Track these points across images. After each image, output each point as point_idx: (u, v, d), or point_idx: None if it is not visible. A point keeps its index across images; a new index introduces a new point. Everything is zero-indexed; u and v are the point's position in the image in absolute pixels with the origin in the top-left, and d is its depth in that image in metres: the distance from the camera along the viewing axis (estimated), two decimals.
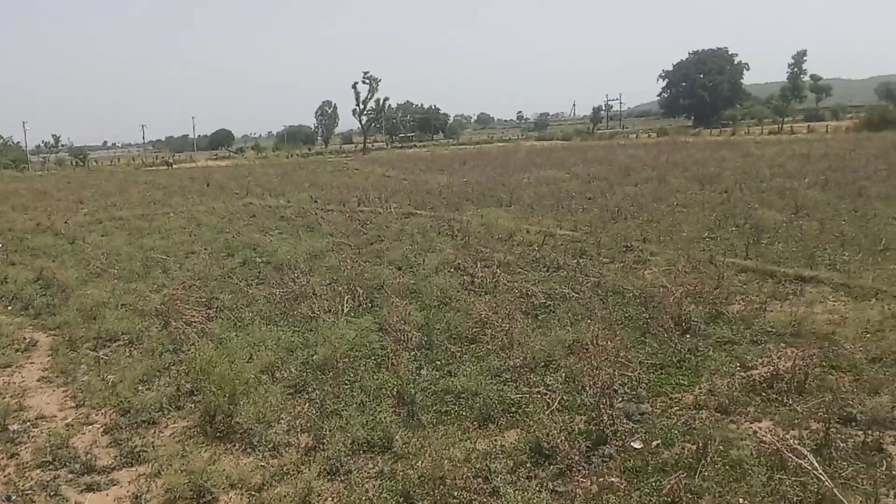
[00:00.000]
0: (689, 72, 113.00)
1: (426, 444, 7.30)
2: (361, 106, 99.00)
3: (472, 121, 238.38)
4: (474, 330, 10.82)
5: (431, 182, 35.01)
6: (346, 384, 9.16)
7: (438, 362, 9.79)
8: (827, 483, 5.89)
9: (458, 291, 12.95)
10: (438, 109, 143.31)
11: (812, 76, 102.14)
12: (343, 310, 12.24)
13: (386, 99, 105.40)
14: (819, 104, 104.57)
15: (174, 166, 76.34)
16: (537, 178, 32.63)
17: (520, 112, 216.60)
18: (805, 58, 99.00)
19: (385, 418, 7.88)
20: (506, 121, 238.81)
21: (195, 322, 11.95)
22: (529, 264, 15.02)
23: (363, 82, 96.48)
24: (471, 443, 7.40)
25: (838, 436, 6.77)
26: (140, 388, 9.51)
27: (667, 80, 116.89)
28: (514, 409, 8.11)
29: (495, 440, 7.41)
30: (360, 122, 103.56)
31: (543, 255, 15.72)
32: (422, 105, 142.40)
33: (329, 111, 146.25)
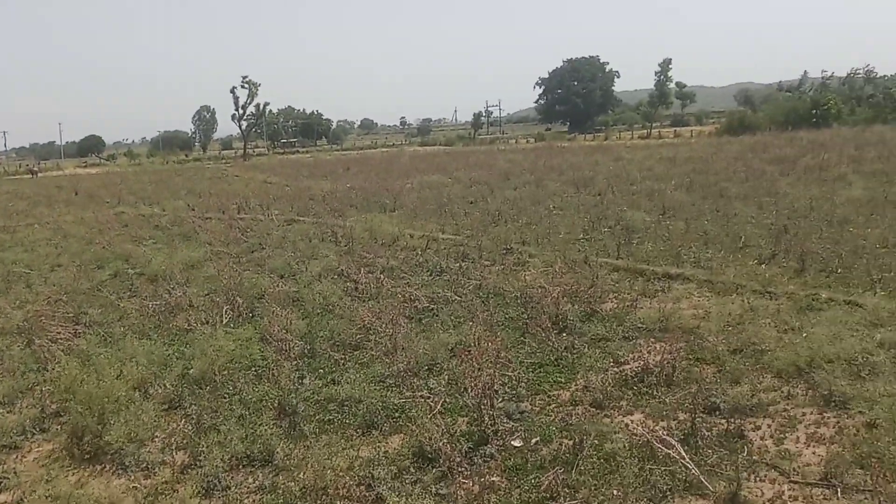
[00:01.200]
0: (563, 79, 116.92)
1: (308, 454, 7.19)
2: (241, 111, 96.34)
3: (356, 126, 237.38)
4: (358, 336, 10.76)
5: (315, 188, 34.56)
6: (224, 398, 8.89)
7: (321, 371, 9.67)
8: (693, 470, 6.22)
9: (342, 298, 12.84)
10: (321, 115, 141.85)
11: (677, 84, 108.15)
12: (221, 320, 11.89)
13: (266, 104, 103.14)
14: (684, 110, 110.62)
15: (39, 174, 71.76)
16: (420, 184, 32.80)
17: (403, 118, 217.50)
18: (670, 66, 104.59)
19: (266, 431, 7.69)
20: (389, 126, 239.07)
21: (61, 339, 11.31)
22: (413, 269, 15.07)
23: (242, 87, 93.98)
24: (354, 451, 7.34)
25: (703, 425, 7.15)
26: (0, 410, 8.89)
27: (543, 88, 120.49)
28: (397, 414, 8.11)
29: (379, 447, 7.39)
30: (240, 127, 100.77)
31: (427, 259, 15.83)
32: (304, 110, 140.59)
33: (207, 116, 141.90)
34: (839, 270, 12.28)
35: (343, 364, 9.82)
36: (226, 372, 9.52)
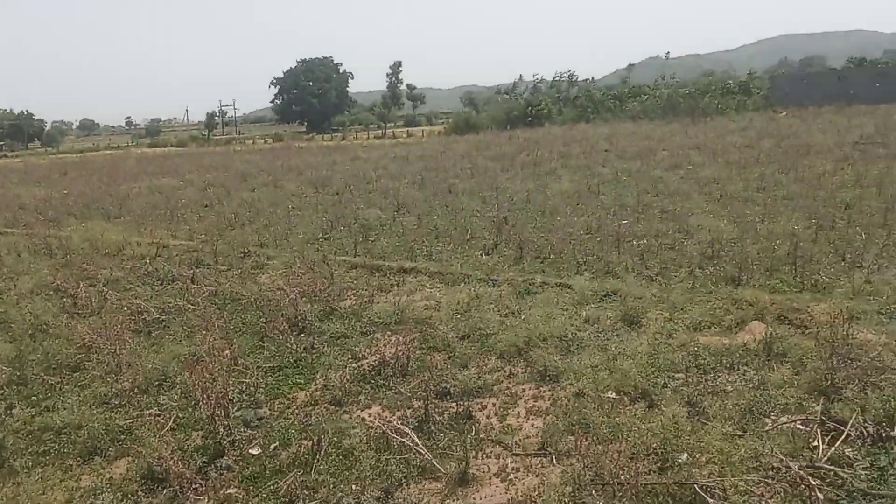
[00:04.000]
0: (298, 79, 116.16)
1: (20, 492, 6.47)
2: None
3: (74, 127, 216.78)
4: (78, 357, 9.84)
5: (25, 196, 31.03)
6: None
7: (34, 398, 8.71)
8: (426, 455, 6.52)
9: (57, 316, 11.68)
10: (32, 115, 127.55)
11: (408, 85, 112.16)
12: None
13: None
14: (416, 111, 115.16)
15: None
16: (150, 188, 30.80)
17: (129, 118, 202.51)
18: (401, 69, 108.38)
19: None
20: (114, 127, 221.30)
21: None
22: (141, 279, 14.12)
23: None
24: (74, 481, 6.72)
25: (436, 410, 7.51)
26: None
27: (279, 87, 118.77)
28: (123, 436, 7.54)
29: (103, 474, 6.83)
30: None
31: (157, 267, 14.89)
32: (11, 111, 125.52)
33: None
34: (551, 256, 13.52)
35: (60, 388, 8.93)
36: None
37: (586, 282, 11.56)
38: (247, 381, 8.61)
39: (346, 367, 8.97)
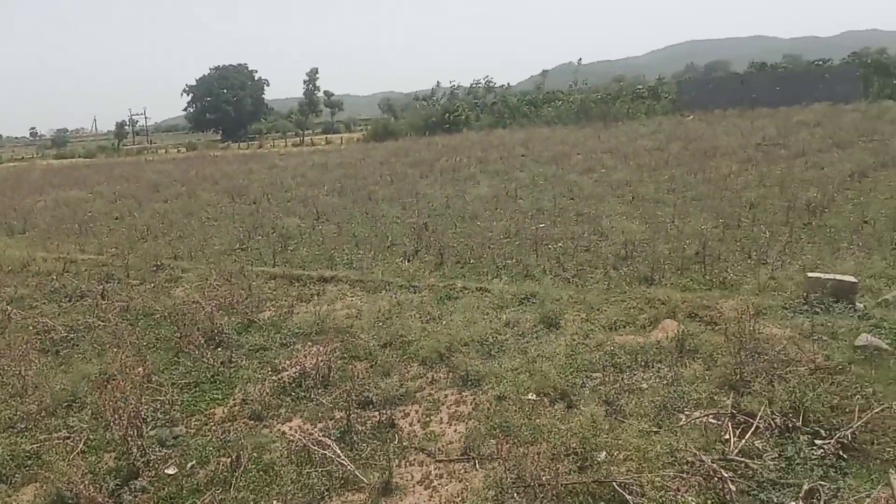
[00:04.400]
0: (212, 87, 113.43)
1: None
2: None
3: None
4: None
5: None
6: None
7: None
8: (349, 466, 6.46)
9: None
10: None
11: (326, 92, 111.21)
12: None
13: None
14: (334, 118, 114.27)
15: None
16: (56, 200, 29.50)
17: (33, 128, 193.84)
18: (318, 75, 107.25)
19: None
20: (17, 138, 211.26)
21: None
22: (47, 296, 13.53)
23: None
24: None
25: (358, 420, 7.46)
26: None
27: (192, 95, 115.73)
28: (30, 461, 7.21)
29: (8, 502, 6.51)
30: None
31: (64, 284, 14.28)
32: None
33: None
34: (471, 261, 13.62)
35: None
36: None
37: (506, 285, 11.71)
38: (161, 398, 8.37)
39: (265, 380, 8.82)
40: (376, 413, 7.62)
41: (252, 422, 7.75)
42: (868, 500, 5.36)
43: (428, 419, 7.53)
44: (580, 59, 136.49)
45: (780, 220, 14.71)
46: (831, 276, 9.83)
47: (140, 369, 8.62)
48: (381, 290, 12.28)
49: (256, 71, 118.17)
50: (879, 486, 5.47)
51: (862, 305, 9.34)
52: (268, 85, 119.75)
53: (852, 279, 9.70)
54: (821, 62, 62.97)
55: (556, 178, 23.68)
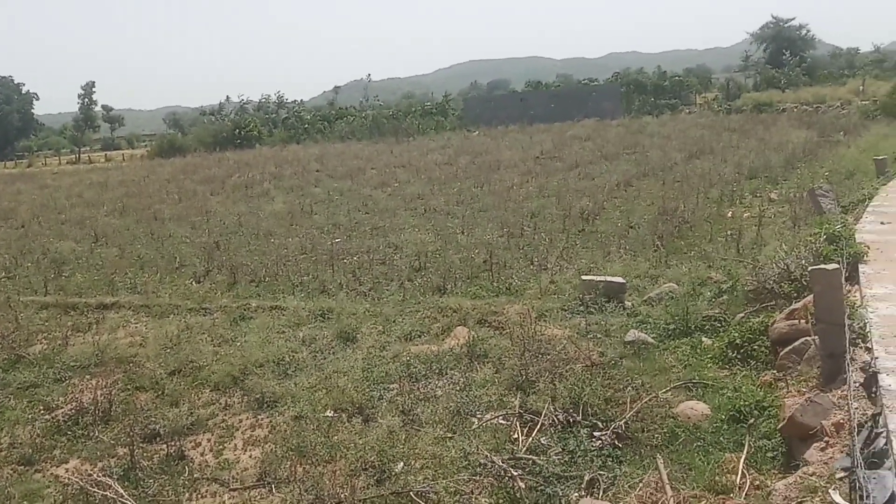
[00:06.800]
0: None
1: None
2: None
3: None
4: None
5: None
6: None
7: None
8: None
9: None
10: None
11: (104, 107, 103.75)
12: None
13: None
14: (114, 133, 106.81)
15: None
16: None
17: None
18: (94, 89, 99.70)
19: None
20: None
21: None
22: None
23: None
24: None
25: (144, 455, 7.01)
26: None
27: None
28: None
29: None
30: None
31: None
32: None
33: None
34: (266, 279, 13.32)
35: None
36: None
37: (301, 302, 11.56)
38: None
39: (36, 420, 8.05)
40: (164, 445, 7.21)
41: (21, 467, 7.05)
42: (641, 484, 5.85)
43: (221, 447, 7.25)
44: (369, 75, 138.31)
45: (557, 227, 15.76)
46: (602, 277, 10.71)
47: None
48: (168, 314, 11.65)
49: (24, 84, 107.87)
50: (650, 472, 5.99)
51: (630, 304, 10.24)
52: (37, 99, 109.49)
53: (621, 280, 10.63)
54: (588, 81, 68.62)
55: (351, 193, 23.78)
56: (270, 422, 7.68)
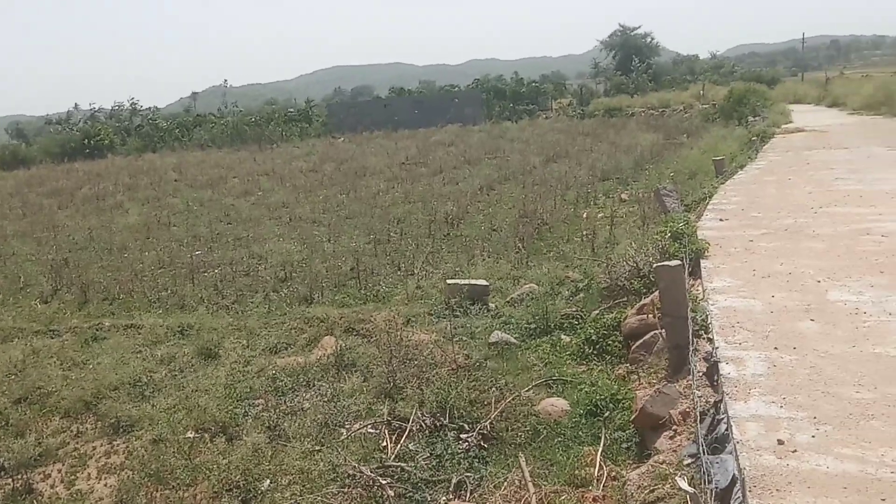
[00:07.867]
0: None
1: None
2: None
3: None
4: None
5: None
6: None
7: None
8: None
9: None
10: None
11: None
12: None
13: None
14: None
15: None
16: None
17: None
18: None
19: None
20: None
21: None
22: None
23: None
24: None
25: None
26: None
27: None
28: None
29: None
30: None
31: None
32: None
33: None
34: (121, 296, 12.68)
35: None
36: None
37: (159, 319, 11.11)
38: None
39: None
40: (10, 480, 6.73)
41: None
42: (505, 483, 6.02)
43: (73, 477, 6.86)
44: (226, 81, 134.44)
45: (423, 232, 15.93)
46: (467, 281, 10.92)
47: None
48: (12, 338, 10.88)
49: None
50: (513, 470, 6.17)
51: (494, 305, 10.50)
52: None
53: (484, 282, 10.88)
54: (450, 87, 69.74)
55: (212, 203, 23.02)
56: (127, 447, 7.33)
